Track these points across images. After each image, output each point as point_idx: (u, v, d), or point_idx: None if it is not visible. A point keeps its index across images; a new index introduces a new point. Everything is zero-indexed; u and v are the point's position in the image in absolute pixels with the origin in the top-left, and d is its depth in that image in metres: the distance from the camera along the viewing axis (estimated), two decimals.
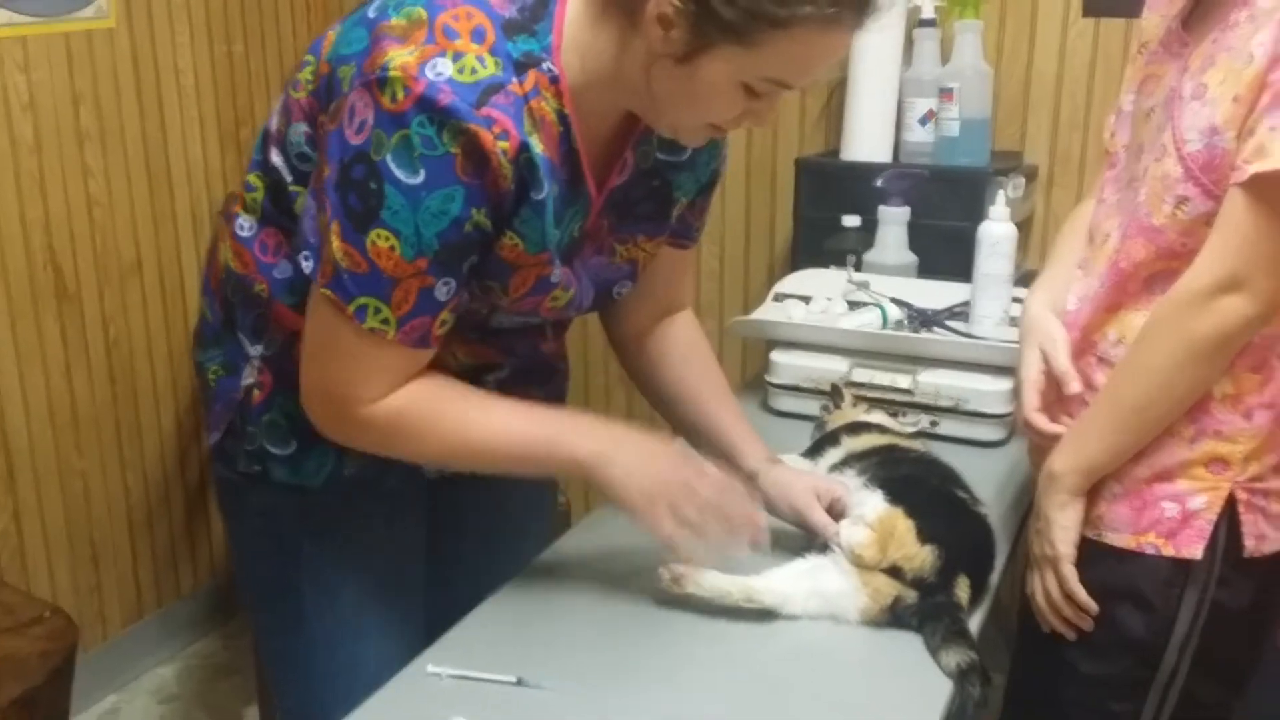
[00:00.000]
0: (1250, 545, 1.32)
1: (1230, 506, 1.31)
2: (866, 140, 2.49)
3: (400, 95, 1.12)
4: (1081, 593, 1.36)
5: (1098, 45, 2.48)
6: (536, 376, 1.52)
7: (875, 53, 2.46)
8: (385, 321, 1.19)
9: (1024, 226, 2.50)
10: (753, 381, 2.23)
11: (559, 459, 1.30)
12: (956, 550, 1.37)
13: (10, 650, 1.85)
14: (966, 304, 2.05)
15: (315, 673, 1.45)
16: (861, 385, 1.91)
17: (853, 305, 2.12)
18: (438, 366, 1.30)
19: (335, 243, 1.17)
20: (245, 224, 1.37)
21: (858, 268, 2.24)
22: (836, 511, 1.43)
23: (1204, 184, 1.25)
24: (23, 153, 2.41)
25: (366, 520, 1.44)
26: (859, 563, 1.36)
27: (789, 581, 1.37)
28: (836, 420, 1.74)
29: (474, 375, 1.40)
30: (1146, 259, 1.32)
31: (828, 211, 2.43)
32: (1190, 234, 1.27)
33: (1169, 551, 1.32)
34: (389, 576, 1.47)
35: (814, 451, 1.67)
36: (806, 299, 2.16)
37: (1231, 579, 1.32)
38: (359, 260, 1.16)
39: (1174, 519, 1.32)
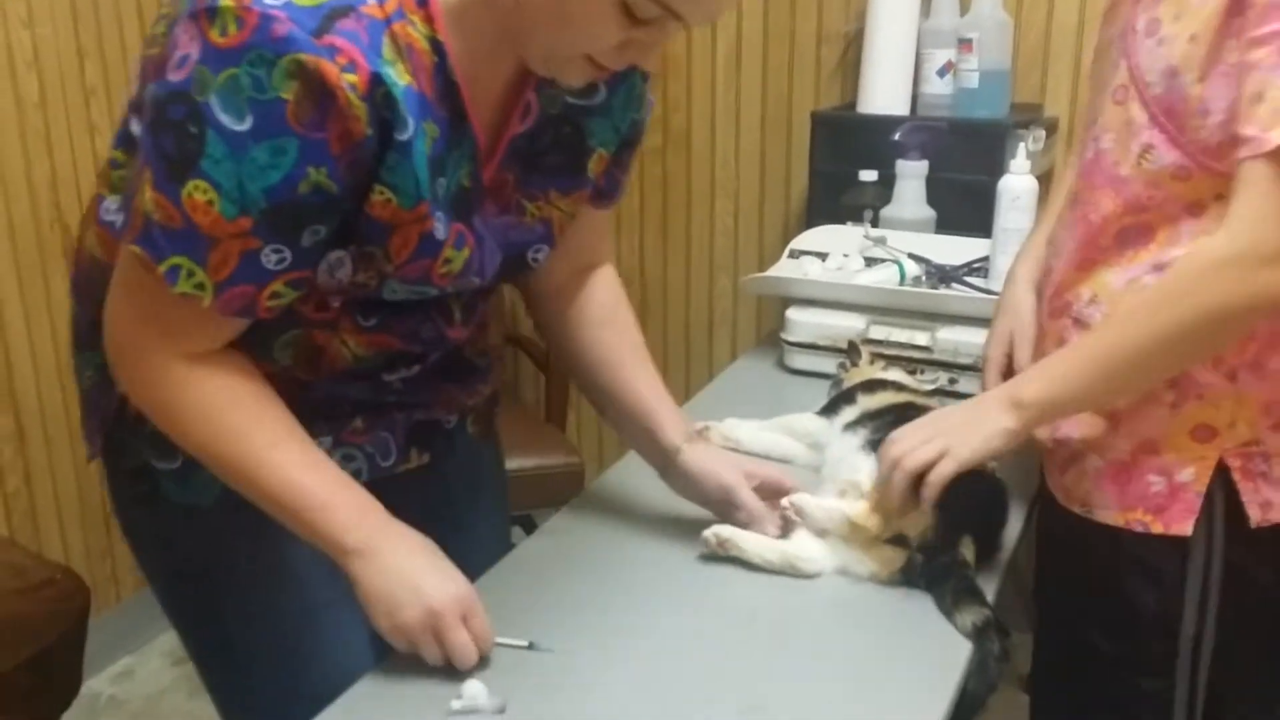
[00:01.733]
0: (1256, 515, 1.24)
1: (1224, 476, 1.24)
2: (884, 92, 2.44)
3: (231, 29, 0.96)
4: (930, 499, 1.28)
5: None
6: (453, 374, 1.36)
7: (893, 3, 2.41)
8: (200, 286, 1.04)
9: (1044, 180, 2.44)
10: (768, 339, 2.20)
11: (320, 530, 1.13)
12: (960, 510, 1.33)
13: (21, 612, 1.84)
14: (985, 259, 2.01)
15: (260, 706, 1.32)
16: (879, 343, 1.88)
17: (870, 261, 2.08)
18: (331, 359, 1.20)
19: (147, 192, 1.02)
20: (111, 205, 1.18)
21: (875, 223, 2.20)
22: (766, 493, 1.37)
23: (1169, 130, 1.19)
24: (28, 109, 2.38)
25: (274, 540, 1.23)
26: (861, 534, 1.34)
27: (817, 547, 1.36)
28: (853, 378, 1.71)
29: (374, 374, 1.26)
30: (1115, 211, 1.25)
31: (844, 165, 2.39)
32: (1157, 186, 1.21)
33: (1158, 529, 1.26)
34: (319, 590, 1.28)
35: (829, 410, 1.65)
36: (823, 255, 2.13)
37: (1245, 552, 1.25)
38: (173, 213, 1.01)
39: (1160, 493, 1.26)
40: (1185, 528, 1.25)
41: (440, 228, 1.12)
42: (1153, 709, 1.31)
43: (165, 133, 1.00)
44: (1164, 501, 1.26)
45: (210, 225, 1.01)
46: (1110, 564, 1.30)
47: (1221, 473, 1.24)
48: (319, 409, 1.23)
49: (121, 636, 2.76)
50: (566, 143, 1.24)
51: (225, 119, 0.97)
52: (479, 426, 1.45)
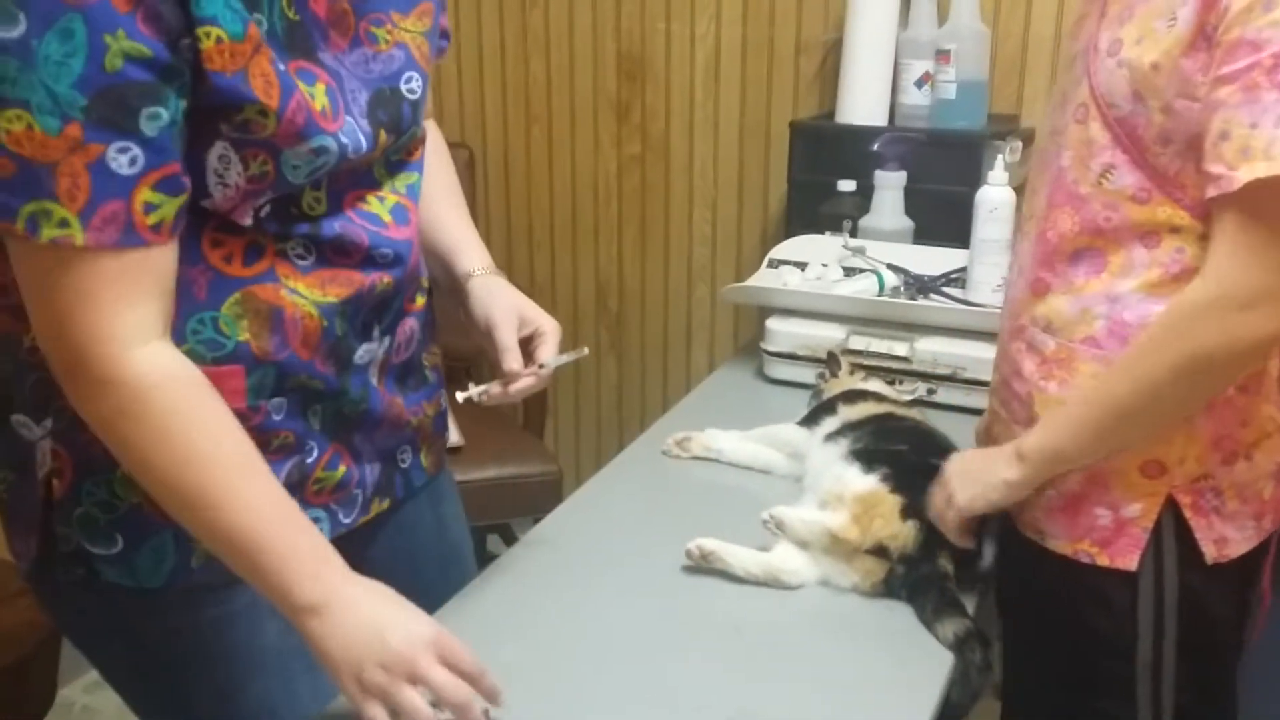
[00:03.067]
0: (1211, 552, 1.22)
1: (1173, 513, 1.23)
2: (862, 103, 2.45)
3: None
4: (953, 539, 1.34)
5: None
6: (408, 382, 1.31)
7: (871, 14, 2.42)
8: (64, 224, 0.93)
9: (1020, 191, 2.47)
10: (747, 348, 2.20)
11: (273, 580, 1.04)
12: None
13: None
14: (963, 270, 2.03)
15: None
16: (859, 353, 1.89)
17: (848, 271, 2.10)
18: (292, 317, 1.11)
19: None
20: None
21: (854, 233, 2.21)
22: (531, 346, 1.29)
23: (1131, 153, 1.17)
24: None
25: (232, 618, 1.18)
26: (842, 546, 1.35)
27: (800, 559, 1.37)
28: (833, 388, 1.73)
29: (344, 350, 1.18)
30: (1071, 231, 1.24)
31: (822, 175, 2.39)
32: (1114, 209, 1.19)
33: (1103, 561, 1.25)
34: (292, 660, 1.20)
35: (810, 420, 1.66)
36: (802, 265, 2.14)
37: (1204, 582, 1.24)
38: (3, 162, 0.91)
39: (1107, 527, 1.24)
40: (1130, 562, 1.23)
41: (280, 63, 1.02)
42: None
43: None
44: (1109, 535, 1.25)
45: (40, 150, 0.91)
46: (1063, 589, 1.30)
47: (1173, 506, 1.23)
48: (284, 446, 1.17)
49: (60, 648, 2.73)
50: None
51: (1, 33, 0.89)
52: (431, 457, 1.40)
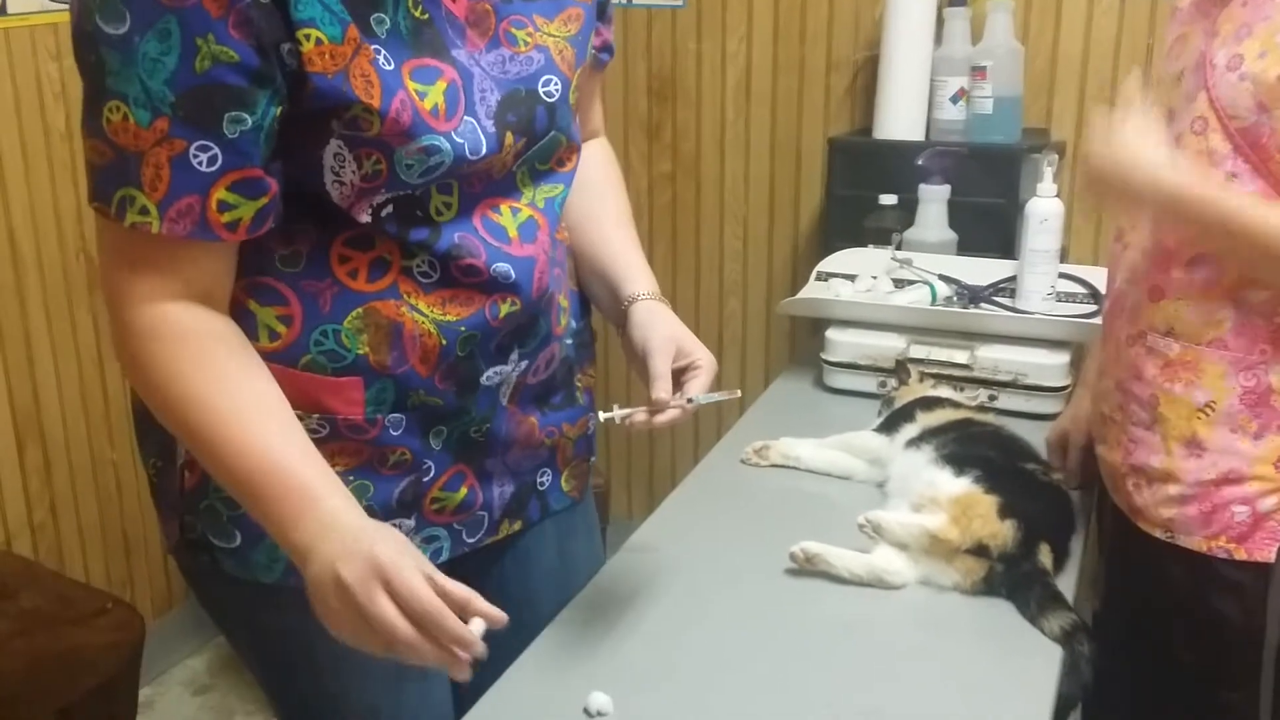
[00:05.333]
0: None
1: None
2: (899, 119, 2.51)
3: None
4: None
5: (1123, 22, 2.51)
6: (546, 399, 1.30)
7: (908, 32, 2.48)
8: (145, 211, 1.00)
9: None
10: (802, 359, 2.24)
11: (270, 528, 1.04)
12: (1035, 520, 1.40)
13: (78, 642, 1.84)
14: (1012, 279, 2.08)
15: None
16: (920, 361, 1.93)
17: (898, 283, 2.14)
18: (411, 334, 1.13)
19: (85, 145, 1.02)
20: None
21: (899, 246, 2.26)
22: (684, 379, 1.25)
23: (1253, 160, 1.23)
24: (55, 141, 2.38)
25: None
26: (942, 547, 1.38)
27: (901, 560, 1.40)
28: (905, 396, 1.77)
29: (471, 370, 1.18)
30: (1190, 237, 1.29)
31: (860, 190, 2.45)
32: None
33: (1241, 555, 1.30)
34: (393, 666, 1.12)
35: (887, 427, 1.70)
36: (851, 277, 2.19)
37: None
38: (103, 149, 1.00)
39: (1244, 522, 1.30)
40: (1269, 554, 1.29)
41: (383, 59, 1.04)
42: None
43: (83, 78, 1.00)
44: (1247, 530, 1.30)
45: (131, 140, 0.99)
46: (1193, 583, 1.35)
47: None
48: (399, 463, 1.18)
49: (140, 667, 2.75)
50: None
51: (109, 29, 0.96)
52: (574, 481, 1.40)
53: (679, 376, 1.24)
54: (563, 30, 1.20)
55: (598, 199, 1.35)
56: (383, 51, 1.04)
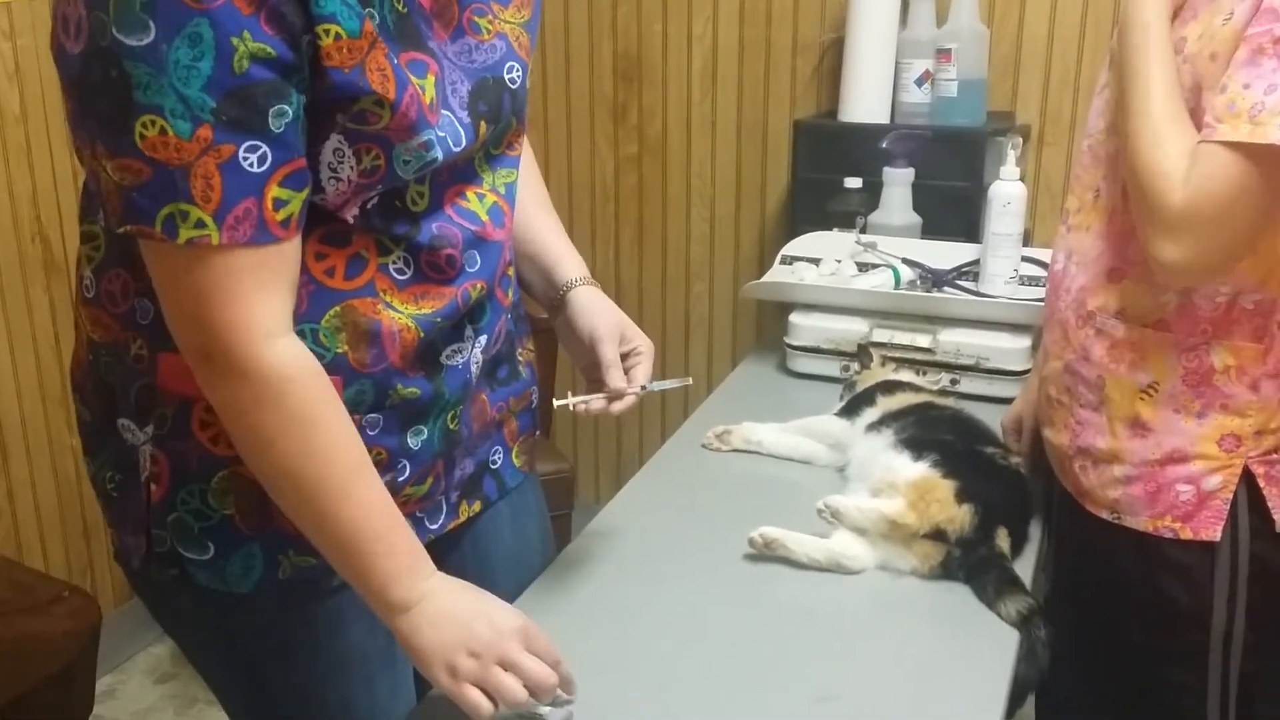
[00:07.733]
0: None
1: (1248, 480, 1.29)
2: (864, 102, 2.50)
3: None
4: None
5: (1088, 5, 2.51)
6: (496, 376, 1.31)
7: (872, 14, 2.47)
8: (200, 225, 0.95)
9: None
10: (766, 344, 2.24)
11: (372, 579, 1.08)
12: (993, 504, 1.40)
13: (35, 630, 1.83)
14: (975, 263, 2.08)
15: None
16: (882, 345, 1.93)
17: (862, 267, 2.14)
18: (389, 330, 1.12)
19: (109, 168, 0.96)
20: (89, 282, 1.14)
21: (863, 230, 2.26)
22: (628, 364, 1.29)
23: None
24: (9, 123, 2.34)
25: (315, 619, 1.21)
26: (900, 532, 1.38)
27: (860, 544, 1.40)
28: (867, 380, 1.77)
29: (432, 357, 1.18)
30: None
31: (826, 173, 2.44)
32: None
33: (1186, 535, 1.31)
34: (372, 660, 1.25)
35: (849, 411, 1.70)
36: (815, 261, 2.18)
37: (1271, 549, 1.30)
38: (139, 167, 0.94)
39: (1189, 502, 1.30)
40: (1214, 533, 1.29)
41: (391, 56, 1.04)
42: (1184, 701, 1.35)
43: (97, 98, 0.94)
44: (1192, 509, 1.30)
45: (173, 154, 0.94)
46: (1140, 563, 1.35)
47: (1247, 478, 1.29)
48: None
49: (102, 655, 2.70)
50: None
51: (132, 41, 0.91)
52: (524, 457, 1.41)
53: (623, 362, 1.28)
54: (517, 16, 1.21)
55: (523, 186, 1.33)
56: (386, 45, 1.04)
